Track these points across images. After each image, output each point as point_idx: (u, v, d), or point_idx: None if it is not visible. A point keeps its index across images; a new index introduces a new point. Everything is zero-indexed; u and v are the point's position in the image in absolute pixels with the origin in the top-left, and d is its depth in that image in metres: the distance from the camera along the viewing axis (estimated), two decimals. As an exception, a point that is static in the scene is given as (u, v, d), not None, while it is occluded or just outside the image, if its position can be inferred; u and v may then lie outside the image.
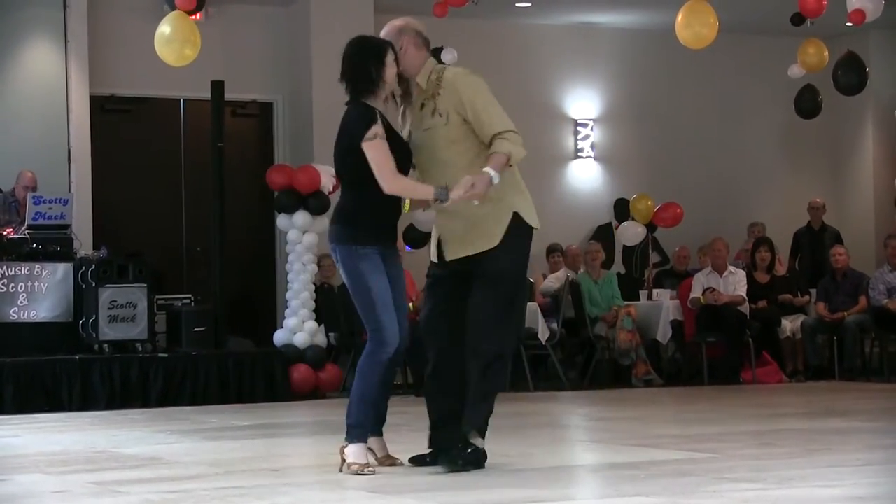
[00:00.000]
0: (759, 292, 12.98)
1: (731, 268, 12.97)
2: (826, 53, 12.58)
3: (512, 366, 6.13)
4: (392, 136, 5.81)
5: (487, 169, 5.74)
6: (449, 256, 5.96)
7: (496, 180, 5.74)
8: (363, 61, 5.79)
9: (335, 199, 11.94)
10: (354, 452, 5.69)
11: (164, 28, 10.67)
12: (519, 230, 5.91)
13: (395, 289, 5.81)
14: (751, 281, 12.95)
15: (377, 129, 5.71)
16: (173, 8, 10.63)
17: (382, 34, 6.02)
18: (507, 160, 5.81)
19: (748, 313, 12.68)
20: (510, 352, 5.97)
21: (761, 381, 12.35)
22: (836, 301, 13.01)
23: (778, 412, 9.42)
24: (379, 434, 5.88)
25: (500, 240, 5.87)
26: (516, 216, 5.91)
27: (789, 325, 13.05)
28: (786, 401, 10.53)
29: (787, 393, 11.37)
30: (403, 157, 5.85)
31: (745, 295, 12.70)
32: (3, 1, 12.50)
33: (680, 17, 10.71)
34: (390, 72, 5.80)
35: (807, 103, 13.79)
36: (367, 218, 5.76)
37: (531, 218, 5.97)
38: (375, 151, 5.71)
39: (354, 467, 5.64)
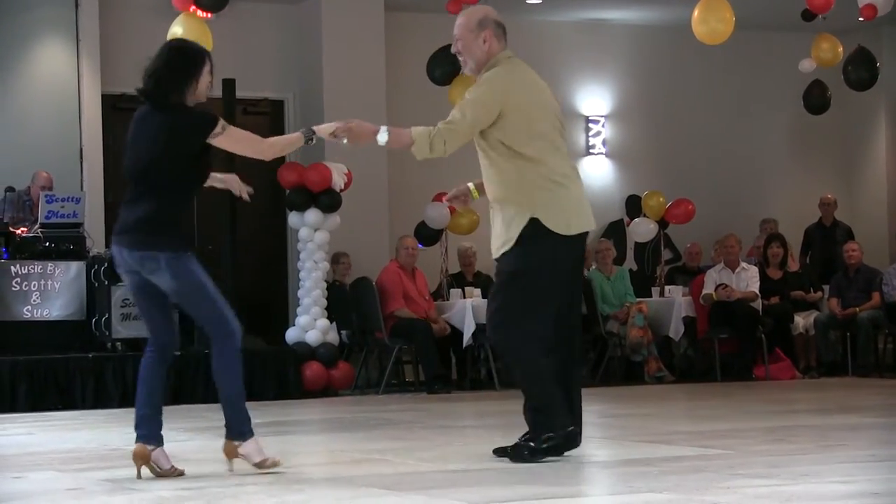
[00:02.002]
0: (772, 288, 12.97)
1: (743, 264, 12.96)
2: (840, 49, 12.56)
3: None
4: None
5: (384, 127, 5.73)
6: (493, 254, 6.04)
7: (381, 140, 5.71)
8: (184, 68, 5.64)
9: (347, 196, 12.08)
10: (255, 449, 5.58)
11: (176, 28, 10.71)
12: (536, 235, 5.83)
13: None
14: (763, 277, 12.93)
15: (221, 120, 5.64)
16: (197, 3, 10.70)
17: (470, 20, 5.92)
18: (408, 142, 5.76)
19: (761, 309, 12.66)
20: (522, 354, 5.82)
21: (774, 377, 12.33)
22: (849, 297, 12.99)
23: (791, 408, 9.40)
24: (161, 444, 5.65)
25: (514, 244, 5.87)
26: (534, 222, 5.84)
27: (802, 321, 13.04)
28: (799, 397, 10.52)
29: (800, 389, 11.36)
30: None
31: (757, 291, 12.69)
32: (15, 0, 12.53)
33: (696, 12, 10.71)
34: (205, 81, 5.68)
35: (815, 99, 13.77)
36: (181, 225, 5.64)
37: (559, 224, 5.85)
38: (234, 135, 5.65)
39: (269, 462, 5.57)
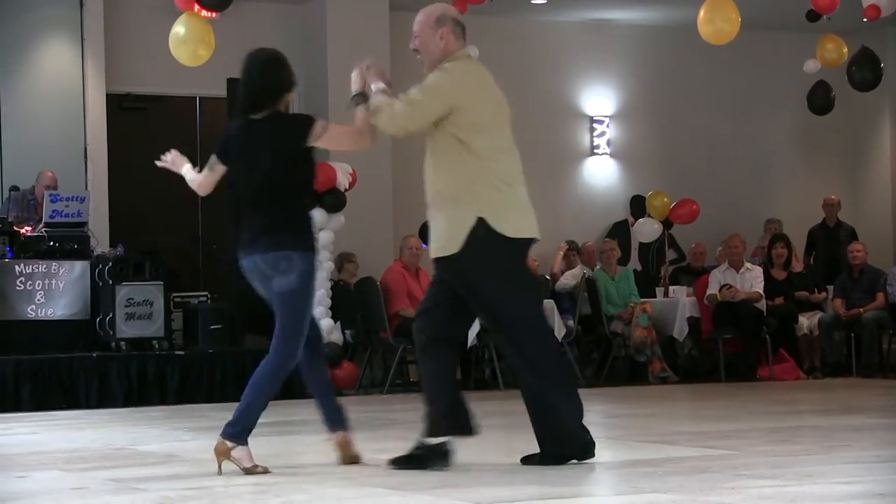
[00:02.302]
0: (776, 289, 12.96)
1: (747, 264, 12.95)
2: (845, 49, 12.56)
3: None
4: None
5: (383, 86, 5.73)
6: (432, 254, 5.86)
7: (373, 89, 5.73)
8: (282, 79, 5.82)
9: (351, 196, 12.07)
10: (247, 455, 5.64)
11: (179, 28, 10.72)
12: (486, 240, 5.59)
13: None
14: (767, 277, 12.93)
15: (321, 120, 5.74)
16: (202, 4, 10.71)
17: (426, 19, 5.85)
18: (376, 103, 5.69)
19: (765, 310, 12.65)
20: (560, 366, 5.77)
21: (778, 377, 12.32)
22: (854, 298, 12.98)
23: (795, 409, 9.40)
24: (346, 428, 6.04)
25: (459, 247, 5.62)
26: (481, 223, 5.60)
27: (806, 321, 13.03)
28: (803, 397, 10.51)
29: (804, 390, 11.35)
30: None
31: (761, 291, 12.68)
32: (20, 0, 12.54)
33: (702, 12, 10.72)
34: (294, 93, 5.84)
35: (819, 99, 13.77)
36: (309, 227, 5.76)
37: (506, 226, 5.62)
38: (334, 130, 5.75)
39: (259, 469, 5.62)
